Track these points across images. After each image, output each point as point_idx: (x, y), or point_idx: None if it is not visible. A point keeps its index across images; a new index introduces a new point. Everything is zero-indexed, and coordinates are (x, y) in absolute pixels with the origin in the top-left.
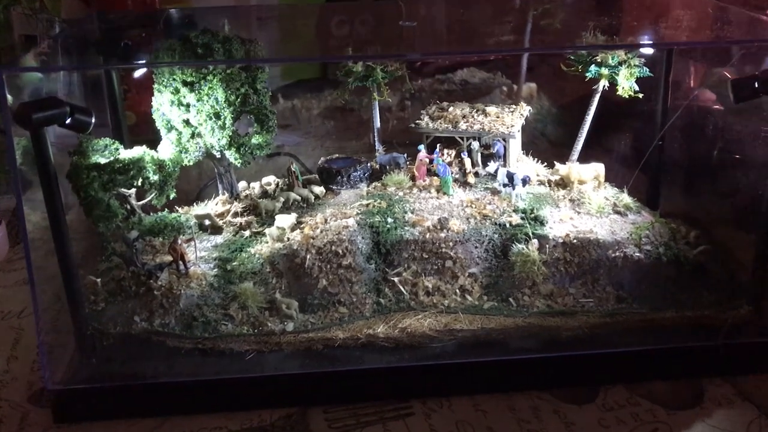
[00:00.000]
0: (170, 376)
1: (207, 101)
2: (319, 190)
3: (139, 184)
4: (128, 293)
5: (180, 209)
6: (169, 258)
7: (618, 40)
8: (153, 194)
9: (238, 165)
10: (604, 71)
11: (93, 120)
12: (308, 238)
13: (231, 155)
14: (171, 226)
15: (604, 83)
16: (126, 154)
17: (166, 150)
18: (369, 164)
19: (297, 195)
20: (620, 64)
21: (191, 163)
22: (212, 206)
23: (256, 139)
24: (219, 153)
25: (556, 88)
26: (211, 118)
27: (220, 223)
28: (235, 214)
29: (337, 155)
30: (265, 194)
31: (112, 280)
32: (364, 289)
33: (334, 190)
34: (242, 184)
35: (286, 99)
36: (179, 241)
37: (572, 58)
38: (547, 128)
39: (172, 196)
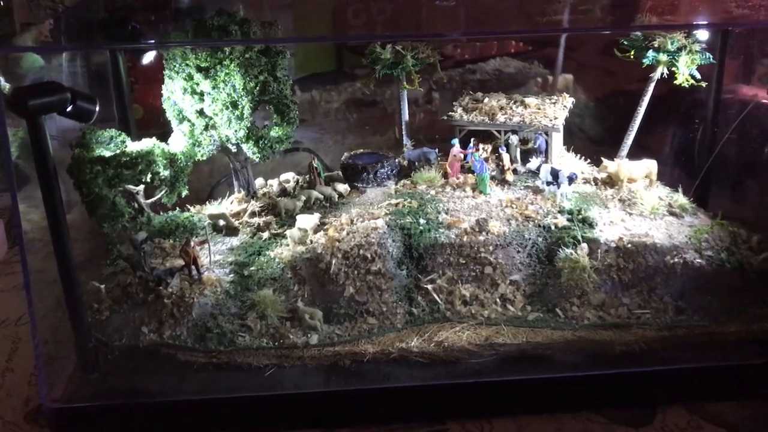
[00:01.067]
0: (181, 393)
1: (223, 89)
2: (343, 188)
3: (148, 180)
4: (135, 301)
5: (192, 208)
6: (181, 262)
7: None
8: (163, 191)
9: (257, 160)
10: (662, 57)
11: (97, 108)
12: (333, 241)
13: (249, 149)
14: (183, 227)
15: (661, 71)
16: (134, 146)
17: (177, 143)
18: (396, 160)
19: (319, 193)
20: (680, 49)
21: (205, 158)
22: (227, 205)
23: (275, 132)
24: (235, 147)
25: (595, 80)
26: (227, 108)
27: (236, 223)
28: (252, 214)
29: (361, 150)
30: (284, 192)
31: (117, 286)
32: (395, 298)
33: (359, 188)
34: (259, 182)
35: (303, 92)
36: (192, 244)
37: (626, 42)
38: (585, 123)
39: (185, 193)
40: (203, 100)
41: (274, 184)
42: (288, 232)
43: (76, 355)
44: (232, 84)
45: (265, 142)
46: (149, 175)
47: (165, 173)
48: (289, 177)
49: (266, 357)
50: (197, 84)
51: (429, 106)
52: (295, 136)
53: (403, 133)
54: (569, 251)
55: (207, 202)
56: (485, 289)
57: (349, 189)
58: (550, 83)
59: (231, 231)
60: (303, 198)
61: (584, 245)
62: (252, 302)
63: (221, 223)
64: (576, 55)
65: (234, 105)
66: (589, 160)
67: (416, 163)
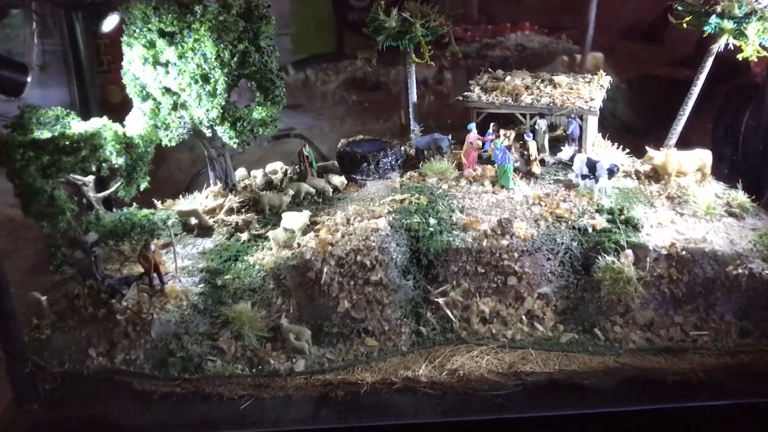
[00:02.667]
0: (138, 430)
1: (192, 58)
2: (338, 180)
3: (94, 169)
4: (82, 316)
5: (160, 203)
6: (140, 269)
7: None
8: (118, 183)
9: (235, 146)
10: (727, 24)
11: (28, 79)
12: (325, 245)
13: (224, 133)
14: (140, 228)
15: (725, 40)
16: (79, 127)
17: (136, 123)
18: (402, 148)
19: (310, 186)
20: (749, 15)
21: (173, 143)
22: (201, 200)
23: (258, 113)
24: (209, 130)
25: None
26: (196, 82)
27: (210, 221)
28: (230, 211)
29: (361, 137)
30: (269, 185)
31: (63, 298)
32: (399, 314)
33: (358, 180)
34: (241, 172)
35: (297, 71)
36: (152, 247)
37: (681, 8)
38: (618, 107)
39: (144, 186)
40: (168, 72)
41: (258, 175)
42: (271, 234)
43: (9, 383)
44: (202, 53)
45: (244, 124)
46: (96, 163)
47: (118, 161)
48: (277, 167)
49: (241, 386)
50: (160, 52)
51: (440, 87)
52: (288, 121)
53: (411, 117)
54: (610, 259)
55: (182, 196)
56: (508, 303)
57: (345, 182)
58: (578, 62)
59: (204, 231)
60: (291, 192)
61: (628, 252)
62: (226, 318)
63: (193, 221)
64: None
65: (205, 78)
66: (627, 150)
67: (425, 152)
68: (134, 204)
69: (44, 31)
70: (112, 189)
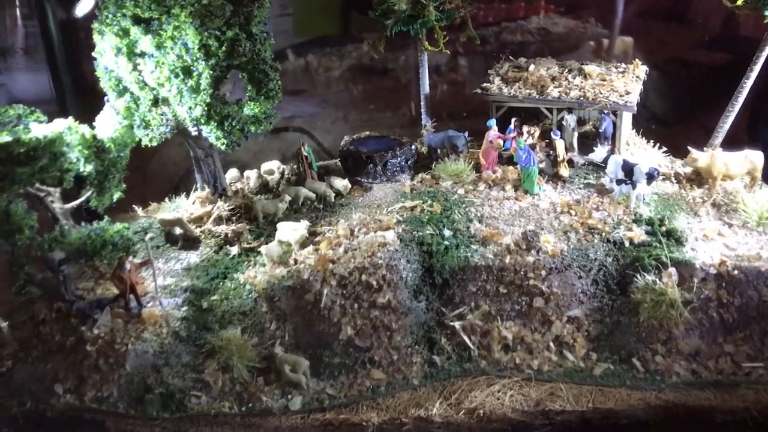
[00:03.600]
0: None
1: (171, 49)
2: (341, 184)
3: (57, 179)
4: (49, 345)
5: (140, 210)
6: (115, 290)
7: None
8: (89, 193)
9: (223, 148)
10: None
11: None
12: (325, 262)
13: (210, 133)
14: (113, 245)
15: None
16: (38, 131)
17: (108, 124)
18: (413, 147)
19: (310, 191)
20: None
21: (154, 143)
22: (188, 205)
23: (250, 109)
24: (195, 129)
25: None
26: (177, 76)
27: (197, 231)
28: (219, 220)
29: (367, 133)
30: (264, 188)
31: (29, 322)
32: (410, 341)
33: (364, 183)
34: (232, 174)
35: (297, 57)
36: (127, 266)
37: None
38: (650, 98)
39: (117, 196)
40: (145, 64)
41: (251, 176)
42: (264, 249)
43: None
44: (183, 42)
45: (233, 123)
46: (58, 173)
47: (87, 168)
48: (273, 167)
49: (230, 426)
50: (136, 42)
51: (455, 75)
52: (289, 111)
53: (423, 110)
54: (650, 278)
55: (169, 198)
56: (534, 328)
57: (349, 186)
58: (605, 47)
59: (189, 242)
60: (288, 198)
61: (672, 271)
62: (212, 347)
63: (177, 231)
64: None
65: (186, 72)
66: (664, 149)
67: (439, 151)
68: (105, 217)
69: (29, 13)
70: (82, 199)
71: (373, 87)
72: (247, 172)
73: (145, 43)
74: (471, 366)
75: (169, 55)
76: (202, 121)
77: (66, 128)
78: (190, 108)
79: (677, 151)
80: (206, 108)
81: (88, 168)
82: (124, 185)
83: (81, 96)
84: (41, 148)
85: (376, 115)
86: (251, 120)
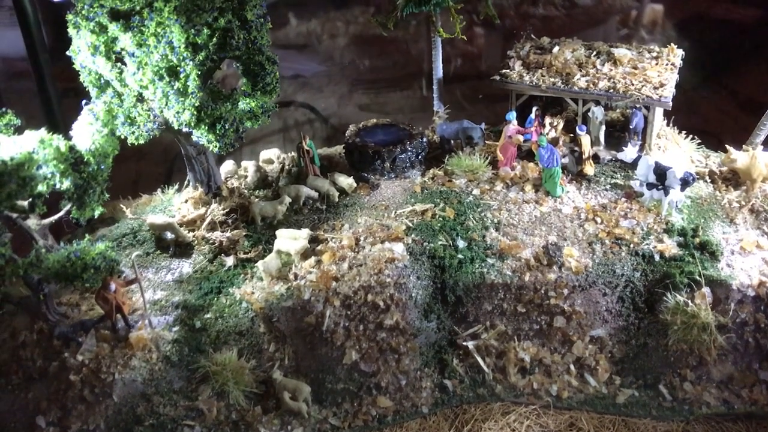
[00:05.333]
0: None
1: (155, 48)
2: (346, 182)
3: (27, 205)
4: (29, 372)
5: (128, 210)
6: (100, 310)
7: None
8: (68, 206)
9: (215, 150)
10: None
11: None
12: (329, 280)
13: (201, 137)
14: (94, 268)
15: None
16: (5, 150)
17: (85, 133)
18: (424, 139)
19: (312, 189)
20: None
21: (141, 141)
22: (179, 204)
23: (245, 104)
24: (184, 130)
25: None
26: (162, 78)
27: (190, 236)
28: (212, 226)
29: (374, 121)
30: (263, 181)
31: (9, 341)
32: (419, 364)
33: (370, 180)
34: (227, 167)
35: (299, 19)
36: (112, 287)
37: None
38: (682, 76)
39: (99, 212)
40: (124, 65)
41: (249, 168)
42: (261, 265)
43: None
44: (167, 41)
45: (226, 125)
46: (28, 198)
47: (65, 183)
48: (273, 156)
49: None
50: (114, 39)
51: (470, 48)
52: (293, 69)
53: (435, 96)
54: (682, 299)
55: (162, 189)
56: (553, 348)
57: (354, 184)
58: (632, 17)
59: (182, 248)
60: (288, 200)
61: (706, 291)
62: (206, 372)
63: (168, 236)
64: None
65: (172, 73)
66: (698, 141)
67: (452, 142)
68: (85, 237)
69: None
70: (61, 213)
71: (380, 58)
72: (244, 163)
73: (126, 41)
74: (485, 391)
75: (152, 54)
76: (192, 124)
77: (38, 142)
78: (177, 112)
79: (703, 120)
80: (195, 111)
81: (65, 183)
82: (107, 195)
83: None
84: (7, 174)
85: (384, 94)
86: (247, 115)
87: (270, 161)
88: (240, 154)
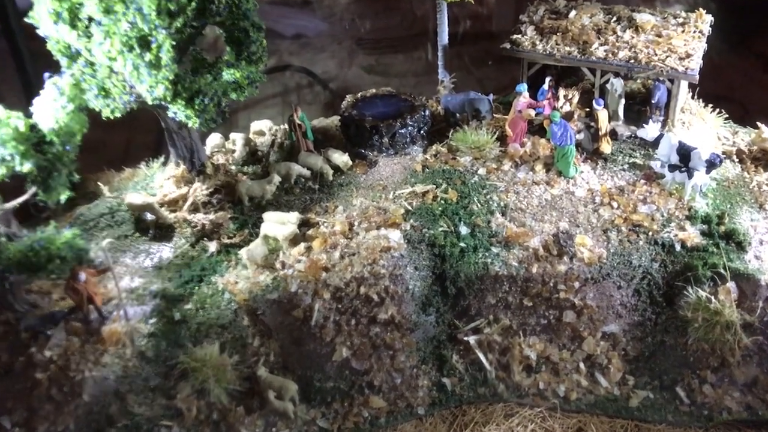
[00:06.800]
0: None
1: (123, 15)
2: (341, 159)
3: None
4: None
5: (106, 188)
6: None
7: None
8: (32, 190)
9: (195, 127)
10: None
11: None
12: (318, 270)
13: (179, 112)
14: (61, 258)
15: None
16: None
17: (48, 109)
18: (427, 111)
19: (303, 167)
20: None
21: (117, 114)
22: (161, 181)
23: (229, 74)
24: (159, 106)
25: None
26: (131, 49)
27: (171, 217)
28: (194, 208)
29: (373, 91)
30: (252, 156)
31: None
32: (416, 361)
33: (368, 157)
34: (214, 140)
35: None
36: (82, 277)
37: None
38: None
39: (65, 196)
40: (90, 33)
41: (237, 141)
42: (244, 252)
43: None
44: (137, 6)
45: (205, 99)
46: None
47: (26, 166)
48: (264, 127)
49: None
50: (79, 5)
51: (479, 9)
52: (294, 27)
53: (440, 64)
54: (704, 294)
55: (148, 162)
56: (562, 344)
57: (350, 162)
58: None
59: (162, 230)
60: (277, 179)
61: (731, 286)
62: (185, 368)
63: (148, 217)
64: None
65: (143, 43)
66: (725, 117)
67: (458, 115)
68: (50, 221)
69: None
70: (26, 196)
71: (384, 19)
72: (233, 136)
73: (91, 7)
74: (486, 391)
75: (120, 22)
76: (168, 99)
77: None
78: (150, 86)
79: (727, 86)
80: (171, 85)
81: (27, 166)
82: (78, 176)
83: None
84: None
85: (386, 57)
86: (231, 86)
87: (261, 133)
88: (235, 119)
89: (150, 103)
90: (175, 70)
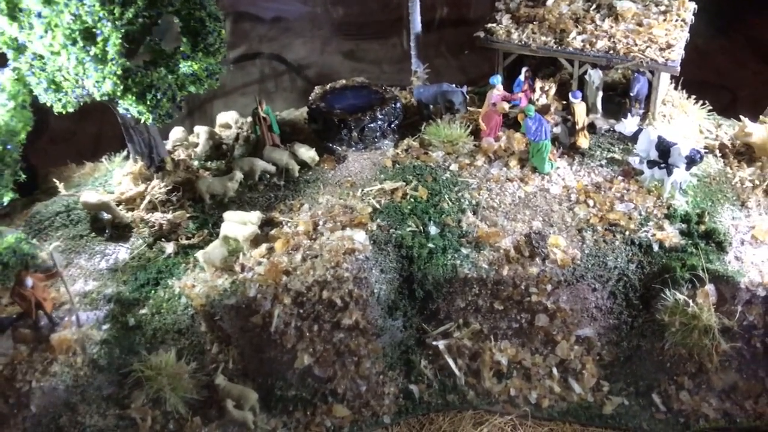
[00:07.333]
0: None
1: (66, 7)
2: (308, 155)
3: None
4: None
5: (61, 185)
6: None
7: None
8: None
9: (149, 122)
10: None
11: None
12: (278, 273)
13: (129, 107)
14: (3, 264)
15: None
16: None
17: None
18: (398, 104)
19: (268, 162)
20: None
21: (69, 109)
22: (120, 178)
23: (187, 66)
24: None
25: None
26: (75, 43)
27: (128, 216)
28: (152, 207)
29: (343, 82)
30: (217, 150)
31: None
32: (382, 367)
33: (336, 152)
34: (176, 135)
35: None
36: (29, 282)
37: None
38: (694, 24)
39: (8, 198)
40: (31, 27)
41: (201, 135)
42: (201, 255)
43: None
44: None
45: (158, 94)
46: None
47: None
48: (230, 120)
49: None
50: None
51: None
52: (274, 10)
53: (413, 53)
54: (682, 297)
55: (106, 158)
56: (534, 349)
57: (317, 157)
58: None
59: (119, 230)
60: (239, 176)
61: (710, 289)
62: (139, 375)
63: (105, 216)
64: None
65: (88, 36)
66: (710, 108)
67: (431, 107)
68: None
69: None
70: None
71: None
72: (197, 128)
73: None
74: (455, 397)
75: (62, 14)
76: (118, 94)
77: None
78: (97, 81)
79: (716, 72)
80: (119, 80)
81: None
82: (23, 175)
83: None
84: None
85: (361, 44)
86: (189, 79)
87: (227, 126)
88: (210, 107)
89: (98, 98)
90: (123, 64)
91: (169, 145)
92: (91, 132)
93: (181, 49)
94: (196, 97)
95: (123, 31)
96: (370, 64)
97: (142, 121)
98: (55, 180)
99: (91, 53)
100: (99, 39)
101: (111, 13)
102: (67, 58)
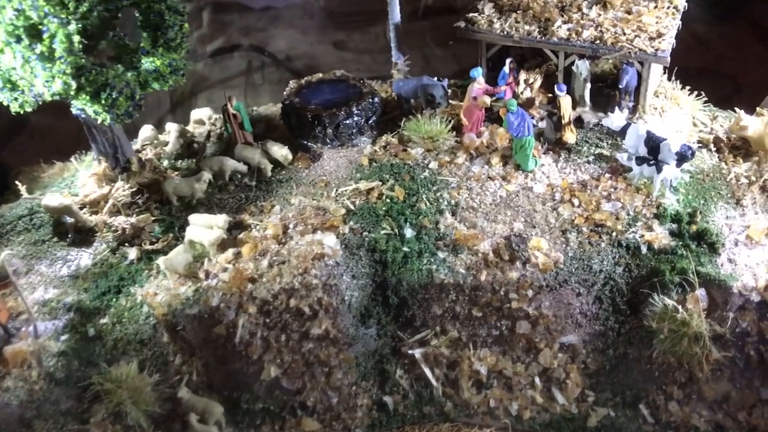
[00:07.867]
0: None
1: (8, 2)
2: (281, 153)
3: None
4: None
5: (23, 188)
6: None
7: None
8: None
9: (107, 123)
10: None
11: None
12: (243, 281)
13: (85, 107)
14: None
15: None
16: None
17: None
18: (376, 99)
19: (239, 162)
20: None
21: (27, 109)
22: (84, 179)
23: (149, 63)
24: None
25: None
26: (19, 40)
27: (92, 220)
28: (116, 210)
29: (320, 76)
30: (188, 148)
31: None
32: (355, 378)
33: (311, 151)
34: (145, 134)
35: None
36: None
37: None
38: (693, 7)
39: None
40: None
41: (171, 132)
42: (162, 262)
43: None
44: None
45: (113, 93)
46: None
47: None
48: (204, 117)
49: None
50: None
51: None
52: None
53: (393, 45)
54: (671, 302)
55: (75, 157)
56: (516, 357)
57: (290, 156)
58: None
59: (82, 234)
60: (207, 177)
61: (700, 293)
62: (99, 389)
63: (68, 220)
64: None
65: (33, 33)
66: (705, 99)
67: (410, 102)
68: None
69: None
70: None
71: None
72: (168, 126)
73: None
74: (432, 409)
75: (4, 10)
76: (71, 94)
77: None
78: (46, 81)
79: (716, 58)
80: (70, 79)
81: None
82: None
83: None
84: None
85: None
86: (152, 75)
87: (201, 123)
88: (194, 101)
89: (48, 98)
90: (75, 62)
91: (138, 144)
92: (70, 129)
93: (141, 44)
94: (179, 92)
95: (79, 26)
96: (364, 54)
97: (99, 121)
98: (17, 183)
99: (37, 51)
100: (45, 36)
101: (62, 8)
102: (12, 56)
